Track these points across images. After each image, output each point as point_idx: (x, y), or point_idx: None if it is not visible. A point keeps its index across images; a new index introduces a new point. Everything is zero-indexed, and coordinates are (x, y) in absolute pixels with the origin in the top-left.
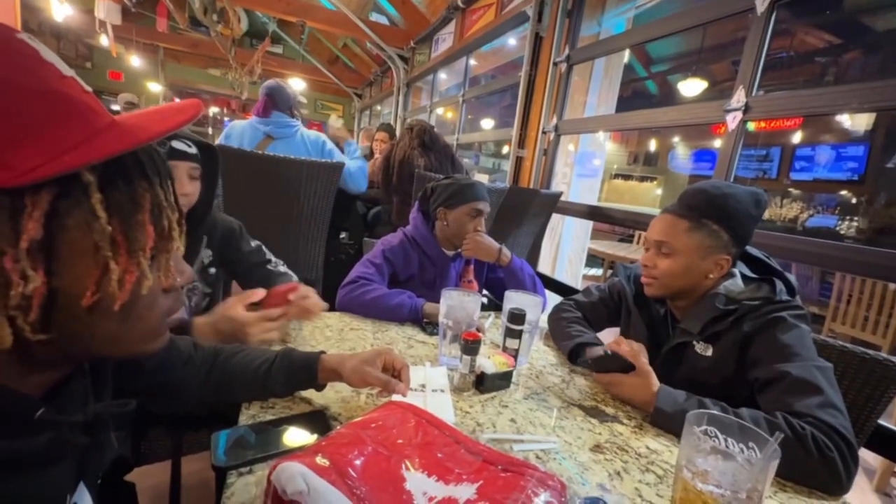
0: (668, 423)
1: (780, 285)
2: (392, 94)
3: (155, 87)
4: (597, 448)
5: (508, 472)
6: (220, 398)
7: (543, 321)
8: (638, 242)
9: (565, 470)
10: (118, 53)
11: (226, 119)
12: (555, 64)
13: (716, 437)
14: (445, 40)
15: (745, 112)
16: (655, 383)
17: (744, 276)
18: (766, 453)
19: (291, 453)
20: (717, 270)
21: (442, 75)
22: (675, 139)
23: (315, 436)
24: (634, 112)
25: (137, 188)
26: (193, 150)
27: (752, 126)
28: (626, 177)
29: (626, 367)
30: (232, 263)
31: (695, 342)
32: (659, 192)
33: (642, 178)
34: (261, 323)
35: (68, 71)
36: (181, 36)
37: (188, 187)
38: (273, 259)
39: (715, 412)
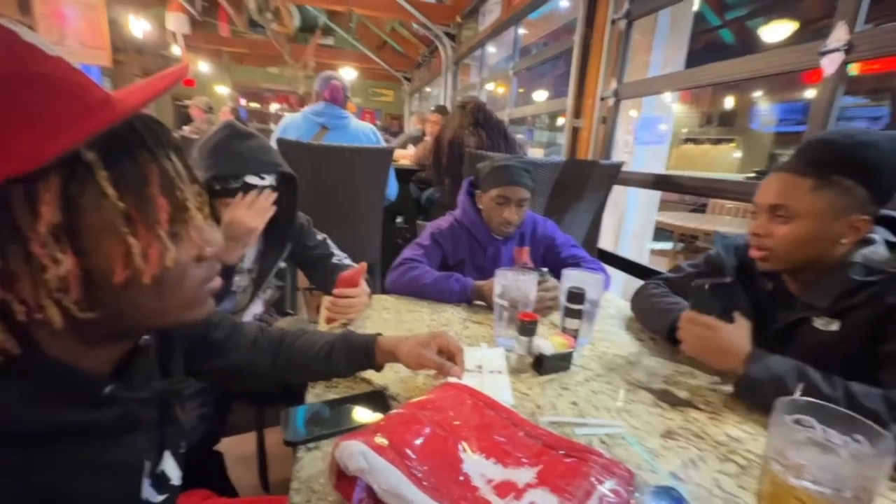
0: (755, 394)
1: None
2: (441, 75)
3: (223, 90)
4: (668, 434)
5: (571, 457)
6: (288, 378)
7: (607, 299)
8: (713, 212)
9: (633, 456)
10: (189, 62)
11: (285, 114)
12: (612, 22)
13: (812, 426)
14: (493, 11)
15: (847, 52)
16: (749, 345)
17: (887, 243)
18: (881, 448)
19: (353, 431)
20: (851, 234)
21: (490, 49)
22: (757, 94)
23: (376, 415)
24: (707, 66)
25: (141, 161)
26: (267, 181)
27: (854, 71)
28: (699, 141)
29: (729, 314)
30: (298, 256)
31: (814, 318)
32: (737, 154)
33: (717, 141)
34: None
35: (53, 50)
36: (241, 38)
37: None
38: (337, 252)
39: (811, 400)
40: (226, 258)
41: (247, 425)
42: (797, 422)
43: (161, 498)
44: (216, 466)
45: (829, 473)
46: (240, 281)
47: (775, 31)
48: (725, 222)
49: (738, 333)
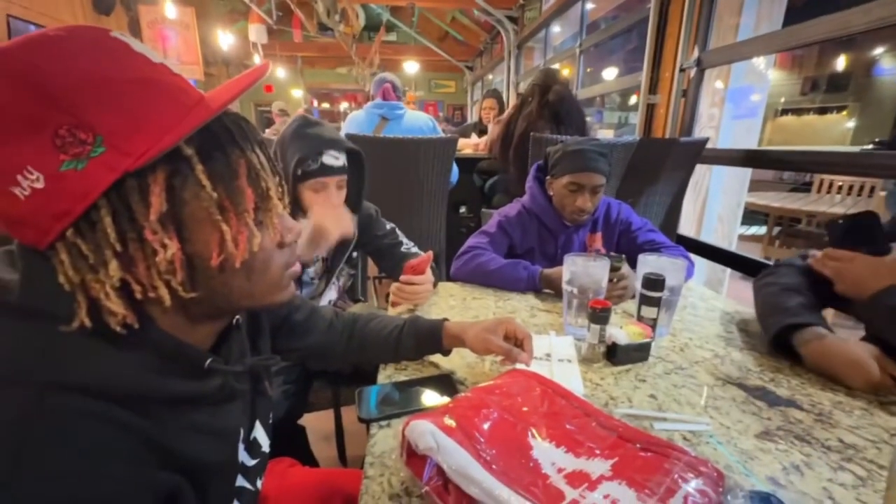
0: (885, 314)
1: None
2: (503, 60)
3: (297, 93)
4: (765, 435)
5: (649, 451)
6: (360, 359)
7: (688, 288)
8: (819, 191)
9: (721, 456)
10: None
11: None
12: None
13: None
14: None
15: None
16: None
17: None
18: None
19: (423, 412)
20: None
21: (555, 28)
22: (879, 50)
23: (443, 398)
24: (811, 22)
25: (231, 156)
26: (341, 161)
27: None
28: (800, 111)
29: (877, 248)
30: (368, 245)
31: None
32: (850, 124)
33: (822, 110)
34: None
35: (158, 59)
36: (313, 43)
37: (335, 199)
38: (405, 241)
39: None
40: (304, 257)
41: (325, 403)
42: None
43: (254, 462)
44: (300, 439)
45: None
46: (312, 270)
47: None
48: (835, 202)
49: (887, 266)
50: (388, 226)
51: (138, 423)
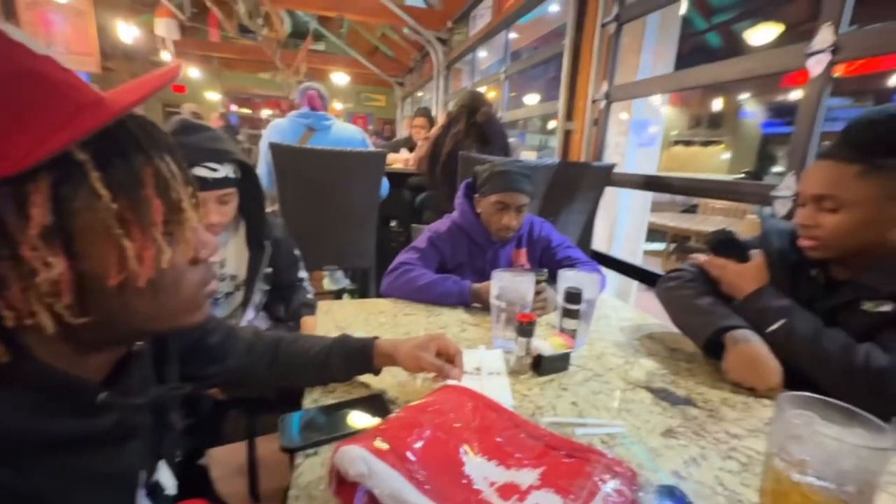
0: (747, 315)
1: None
2: (432, 79)
3: (213, 96)
4: (669, 433)
5: (573, 457)
6: (285, 383)
7: (602, 300)
8: (704, 212)
9: (634, 456)
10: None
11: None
12: (602, 26)
13: (814, 421)
14: (483, 16)
15: (833, 53)
16: (765, 280)
17: None
18: (882, 443)
19: (353, 436)
20: None
21: (482, 53)
22: (744, 96)
23: (374, 419)
24: (695, 68)
25: (136, 163)
26: (222, 173)
27: (837, 73)
28: (688, 143)
29: (741, 257)
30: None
31: (864, 300)
32: (726, 156)
33: (706, 143)
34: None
35: (42, 50)
36: (232, 44)
37: (214, 216)
38: (308, 289)
39: (813, 395)
40: None
41: (242, 434)
42: (798, 417)
43: None
44: (202, 481)
45: (832, 469)
46: (222, 288)
47: (761, 34)
48: (717, 222)
49: (752, 269)
50: (302, 273)
51: (4, 474)
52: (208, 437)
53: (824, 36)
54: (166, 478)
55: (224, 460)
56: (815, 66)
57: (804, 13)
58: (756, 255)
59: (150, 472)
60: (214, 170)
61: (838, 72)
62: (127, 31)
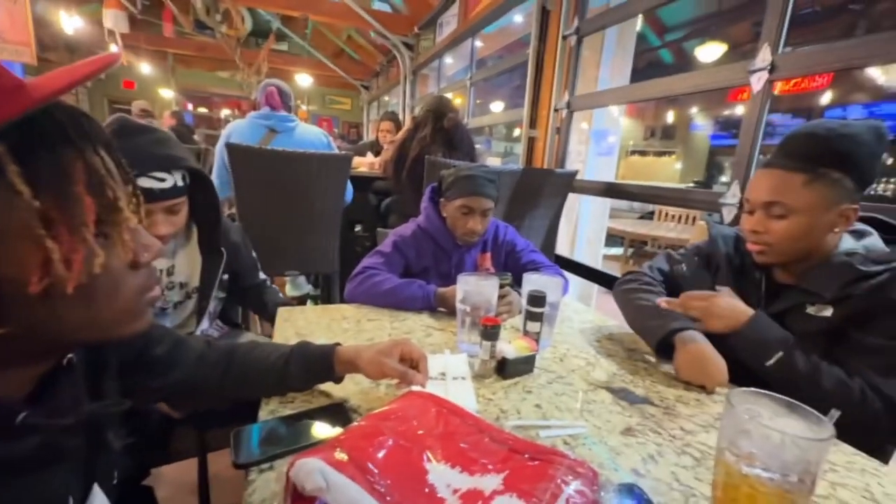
0: (746, 346)
1: None
2: (399, 84)
3: (167, 94)
4: (628, 431)
5: (536, 460)
6: (240, 394)
7: (565, 303)
8: (659, 219)
9: (595, 456)
10: (129, 62)
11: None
12: (564, 38)
13: (760, 416)
14: (450, 23)
15: (771, 71)
16: (749, 310)
17: (885, 240)
18: (820, 434)
19: (311, 448)
20: (843, 223)
21: (448, 60)
22: (694, 110)
23: (335, 429)
24: (650, 81)
25: (63, 157)
26: (169, 182)
27: (776, 91)
28: (643, 153)
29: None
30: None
31: (808, 304)
32: (678, 166)
33: (660, 153)
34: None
35: None
36: (188, 40)
37: (163, 227)
38: (266, 278)
39: (759, 391)
40: None
41: (193, 450)
42: (747, 412)
43: None
44: (146, 502)
45: (777, 460)
46: (171, 297)
47: (709, 51)
48: (671, 228)
49: (732, 301)
50: (261, 275)
51: None
52: (155, 454)
53: (764, 55)
54: (100, 502)
55: (173, 479)
56: (756, 82)
57: (746, 35)
58: (724, 290)
59: (83, 497)
60: (162, 179)
61: (777, 89)
62: (69, 23)
